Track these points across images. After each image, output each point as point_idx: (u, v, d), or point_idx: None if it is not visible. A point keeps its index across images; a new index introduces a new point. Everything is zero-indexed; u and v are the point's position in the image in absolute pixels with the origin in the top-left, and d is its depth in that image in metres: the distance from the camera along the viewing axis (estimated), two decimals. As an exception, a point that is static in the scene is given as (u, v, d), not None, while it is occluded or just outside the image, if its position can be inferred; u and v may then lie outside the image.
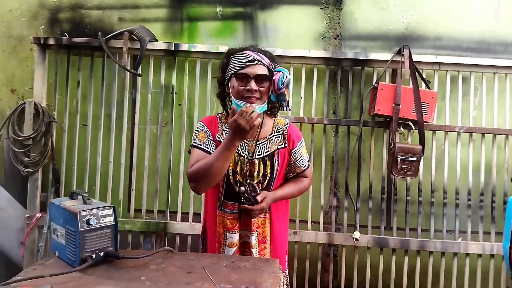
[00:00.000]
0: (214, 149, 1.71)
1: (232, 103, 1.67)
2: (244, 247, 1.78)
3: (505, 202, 2.70)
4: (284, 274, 1.71)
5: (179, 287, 1.29)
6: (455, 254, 2.72)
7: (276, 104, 1.76)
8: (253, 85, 1.63)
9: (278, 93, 1.70)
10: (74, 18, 3.00)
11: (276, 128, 1.81)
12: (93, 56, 2.89)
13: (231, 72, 1.68)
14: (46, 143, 2.82)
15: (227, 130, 1.65)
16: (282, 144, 1.80)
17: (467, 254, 2.71)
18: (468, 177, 2.75)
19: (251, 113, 1.53)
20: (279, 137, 1.80)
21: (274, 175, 1.76)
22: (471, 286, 2.73)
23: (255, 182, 1.73)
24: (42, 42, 2.83)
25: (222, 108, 1.86)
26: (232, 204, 1.75)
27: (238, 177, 1.73)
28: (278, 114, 1.85)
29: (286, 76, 1.67)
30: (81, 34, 2.93)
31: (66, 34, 2.95)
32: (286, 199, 1.86)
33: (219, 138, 1.76)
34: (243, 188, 1.71)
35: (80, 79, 2.90)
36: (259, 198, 1.68)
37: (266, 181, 1.76)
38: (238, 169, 1.73)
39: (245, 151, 1.75)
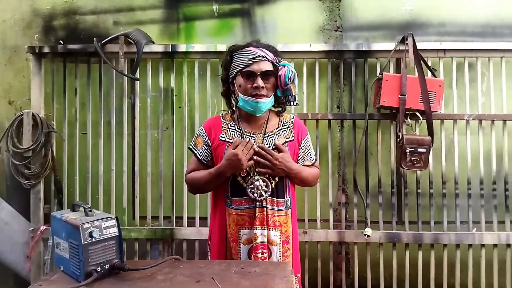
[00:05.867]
0: (206, 158, 1.78)
1: (239, 101, 1.71)
2: (263, 247, 1.70)
3: (519, 190, 2.63)
4: (296, 277, 1.65)
5: (189, 298, 1.24)
6: (470, 245, 2.65)
7: (282, 100, 1.78)
8: (260, 82, 1.66)
9: (285, 88, 1.71)
10: (68, 24, 2.95)
11: (282, 123, 1.82)
12: (90, 62, 2.83)
13: (236, 70, 1.69)
14: (46, 154, 2.77)
15: (232, 127, 1.76)
16: (289, 137, 1.79)
17: (483, 245, 2.64)
18: (479, 166, 2.67)
19: (250, 149, 1.64)
20: (285, 130, 1.80)
21: None
22: (488, 277, 2.66)
23: (266, 176, 1.69)
24: (37, 51, 2.77)
25: (226, 107, 1.85)
26: (240, 200, 1.70)
27: (245, 172, 1.69)
28: (286, 109, 1.86)
29: (292, 71, 1.69)
30: (76, 41, 2.88)
31: (61, 41, 2.90)
32: (300, 179, 1.78)
33: (223, 137, 1.75)
34: (257, 183, 1.66)
35: (77, 86, 2.84)
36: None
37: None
38: None
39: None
